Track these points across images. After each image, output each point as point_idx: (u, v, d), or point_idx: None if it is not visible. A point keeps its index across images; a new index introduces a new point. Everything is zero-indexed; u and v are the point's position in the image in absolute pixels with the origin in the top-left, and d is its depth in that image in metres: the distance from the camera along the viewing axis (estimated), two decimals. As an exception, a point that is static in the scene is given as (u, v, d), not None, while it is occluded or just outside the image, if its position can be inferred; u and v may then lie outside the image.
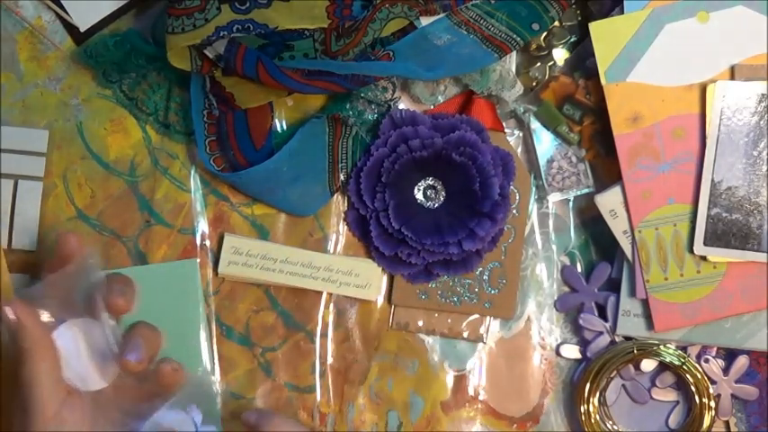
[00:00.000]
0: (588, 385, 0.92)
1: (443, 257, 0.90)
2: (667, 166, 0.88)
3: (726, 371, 0.92)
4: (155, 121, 0.92)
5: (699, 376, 0.91)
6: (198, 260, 0.92)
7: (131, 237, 0.92)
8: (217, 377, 0.91)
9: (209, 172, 0.90)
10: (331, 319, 0.93)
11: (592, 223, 0.93)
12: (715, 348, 0.92)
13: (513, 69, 0.92)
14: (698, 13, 0.87)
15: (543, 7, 0.89)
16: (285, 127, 0.92)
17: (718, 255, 0.88)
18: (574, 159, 0.92)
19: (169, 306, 0.90)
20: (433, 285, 0.92)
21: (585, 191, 0.92)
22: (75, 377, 0.77)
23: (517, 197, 0.92)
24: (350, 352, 0.93)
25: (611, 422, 0.92)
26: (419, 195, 0.90)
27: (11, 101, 0.92)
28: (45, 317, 0.77)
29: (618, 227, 0.89)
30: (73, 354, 0.77)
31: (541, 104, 0.91)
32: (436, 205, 0.90)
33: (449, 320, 0.93)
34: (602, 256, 0.93)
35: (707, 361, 0.92)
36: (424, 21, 0.89)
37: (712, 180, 0.87)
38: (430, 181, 0.90)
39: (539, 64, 0.93)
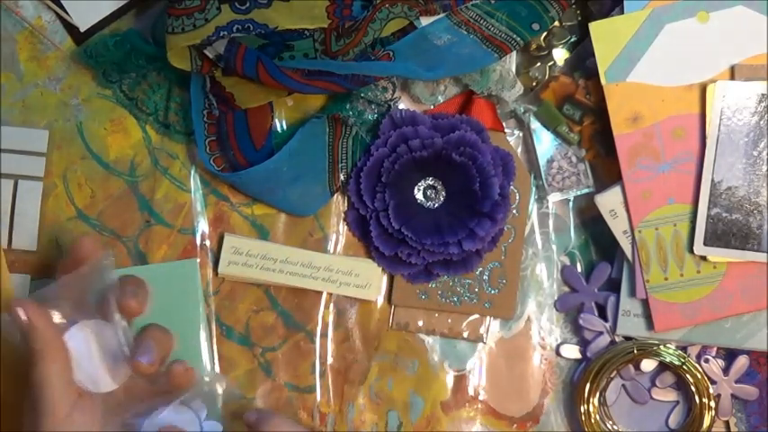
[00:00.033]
0: (588, 385, 0.91)
1: (443, 257, 0.90)
2: (667, 166, 0.88)
3: (726, 371, 0.92)
4: (155, 121, 0.92)
5: (699, 376, 0.91)
6: (198, 260, 0.92)
7: (131, 237, 0.92)
8: (224, 377, 0.91)
9: (210, 172, 0.90)
10: (331, 319, 0.93)
11: (592, 223, 0.93)
12: (715, 348, 0.92)
13: (513, 69, 0.92)
14: (698, 13, 0.87)
15: (543, 7, 0.89)
16: (285, 127, 0.92)
17: (718, 255, 0.88)
18: (574, 159, 0.92)
19: (169, 306, 0.89)
20: (433, 285, 0.92)
21: (585, 191, 0.92)
22: (86, 379, 0.77)
23: (517, 197, 0.92)
24: (350, 352, 0.93)
25: (611, 422, 0.92)
26: (419, 195, 0.90)
27: (11, 101, 0.92)
28: (57, 318, 0.77)
29: (618, 227, 0.89)
30: (84, 355, 0.77)
31: (541, 104, 0.91)
32: (436, 205, 0.90)
33: (449, 320, 0.93)
34: (602, 256, 0.93)
35: (707, 361, 0.92)
36: (424, 21, 0.89)
37: (712, 180, 0.87)
38: (430, 181, 0.90)
39: (539, 64, 0.92)
